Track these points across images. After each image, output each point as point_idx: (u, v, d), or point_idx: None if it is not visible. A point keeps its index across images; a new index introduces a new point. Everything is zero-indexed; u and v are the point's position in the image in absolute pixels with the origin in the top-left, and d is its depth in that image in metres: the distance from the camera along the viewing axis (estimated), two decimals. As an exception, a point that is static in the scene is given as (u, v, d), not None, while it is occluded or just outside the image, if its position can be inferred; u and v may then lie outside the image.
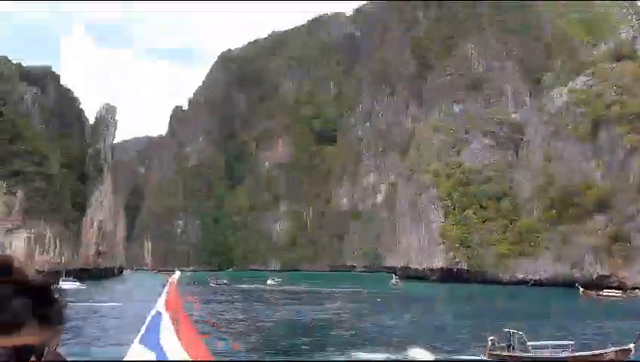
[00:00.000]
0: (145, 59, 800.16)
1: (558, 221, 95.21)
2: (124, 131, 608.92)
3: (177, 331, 3.20)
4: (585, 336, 35.32)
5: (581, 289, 74.25)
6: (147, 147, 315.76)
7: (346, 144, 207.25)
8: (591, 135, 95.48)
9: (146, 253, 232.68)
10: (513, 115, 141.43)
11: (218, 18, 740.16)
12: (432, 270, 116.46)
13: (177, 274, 3.51)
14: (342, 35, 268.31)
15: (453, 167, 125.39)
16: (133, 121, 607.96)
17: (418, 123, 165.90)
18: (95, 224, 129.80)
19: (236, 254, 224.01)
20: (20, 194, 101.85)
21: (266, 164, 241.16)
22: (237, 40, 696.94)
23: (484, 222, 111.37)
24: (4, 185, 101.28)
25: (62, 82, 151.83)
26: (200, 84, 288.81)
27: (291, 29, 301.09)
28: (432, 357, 28.65)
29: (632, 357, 26.58)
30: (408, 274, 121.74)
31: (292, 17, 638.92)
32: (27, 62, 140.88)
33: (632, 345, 26.20)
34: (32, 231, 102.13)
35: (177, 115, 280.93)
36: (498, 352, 28.79)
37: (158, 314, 3.27)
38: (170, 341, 3.15)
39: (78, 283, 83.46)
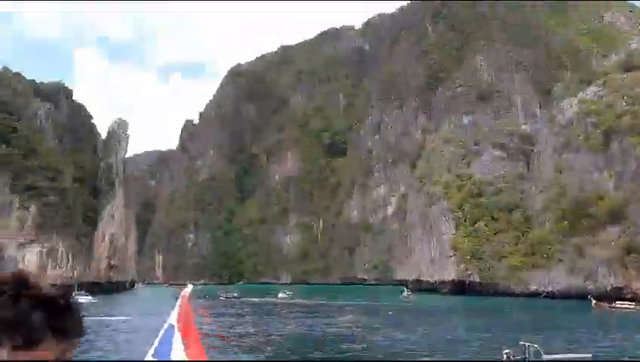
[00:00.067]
0: (156, 74, 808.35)
1: (571, 232, 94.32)
2: (136, 145, 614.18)
3: (186, 344, 3.31)
4: (600, 348, 34.89)
5: (593, 301, 73.37)
6: (158, 161, 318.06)
7: (356, 156, 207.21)
8: (602, 146, 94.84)
9: (157, 267, 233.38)
10: (523, 126, 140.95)
11: (228, 33, 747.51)
12: (443, 282, 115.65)
13: (189, 287, 3.60)
14: (351, 48, 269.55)
15: (464, 178, 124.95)
16: (144, 135, 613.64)
17: (428, 135, 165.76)
18: (107, 238, 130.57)
19: (247, 267, 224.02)
20: (33, 208, 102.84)
21: (276, 176, 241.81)
22: (247, 54, 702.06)
23: (495, 233, 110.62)
24: (18, 200, 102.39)
25: (74, 98, 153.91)
26: (210, 98, 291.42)
27: (300, 43, 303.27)
28: None
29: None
30: (420, 287, 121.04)
31: (301, 31, 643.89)
32: (40, 78, 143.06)
33: None
34: (45, 245, 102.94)
35: (188, 129, 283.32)
36: (513, 365, 28.45)
37: (171, 327, 3.37)
38: (180, 354, 3.26)
39: (90, 297, 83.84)
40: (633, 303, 72.82)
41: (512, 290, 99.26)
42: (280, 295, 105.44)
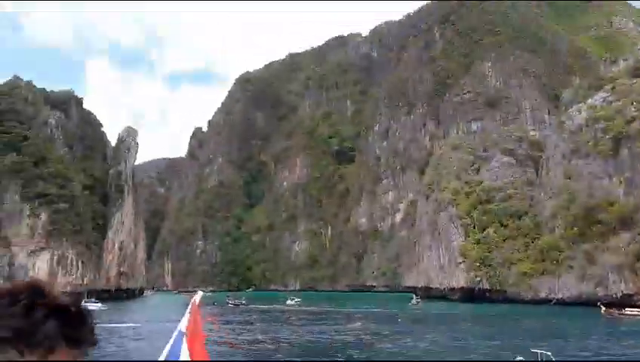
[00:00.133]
0: (165, 82, 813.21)
1: (581, 239, 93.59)
2: (145, 153, 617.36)
3: (191, 349, 3.41)
4: (611, 356, 34.62)
5: (603, 309, 72.68)
6: (167, 168, 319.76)
7: (364, 163, 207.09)
8: (612, 151, 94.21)
9: (166, 274, 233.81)
10: (532, 133, 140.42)
11: (236, 41, 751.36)
12: (452, 289, 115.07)
13: (200, 294, 3.68)
14: (359, 55, 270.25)
15: (473, 185, 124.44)
16: (153, 142, 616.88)
17: (436, 141, 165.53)
18: (116, 245, 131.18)
19: (255, 274, 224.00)
20: (43, 216, 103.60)
21: (285, 183, 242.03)
22: (255, 62, 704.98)
23: (504, 240, 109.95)
24: (28, 207, 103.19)
25: (84, 106, 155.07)
26: (219, 105, 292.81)
27: (308, 50, 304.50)
28: None
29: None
30: (429, 294, 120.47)
31: (309, 38, 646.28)
32: (50, 86, 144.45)
33: None
34: (55, 252, 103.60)
35: (197, 136, 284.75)
36: (525, 374, 28.26)
37: (181, 333, 3.47)
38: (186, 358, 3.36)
39: (99, 304, 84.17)
40: (644, 310, 72.02)
41: (521, 297, 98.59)
42: (288, 302, 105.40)
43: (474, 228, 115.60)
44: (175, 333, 3.51)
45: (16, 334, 1.26)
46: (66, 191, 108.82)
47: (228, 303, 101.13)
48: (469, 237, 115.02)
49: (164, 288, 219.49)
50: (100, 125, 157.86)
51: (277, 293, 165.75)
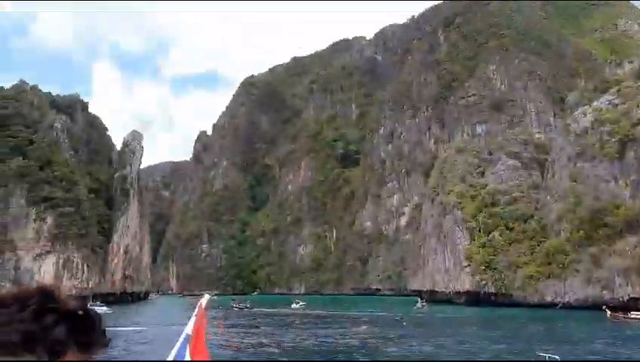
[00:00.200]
0: (170, 86, 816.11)
1: (587, 242, 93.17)
2: (150, 157, 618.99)
3: (192, 349, 3.41)
4: (617, 359, 34.40)
5: (608, 312, 72.26)
6: (172, 172, 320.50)
7: (369, 166, 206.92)
8: (618, 154, 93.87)
9: (171, 277, 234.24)
10: (537, 135, 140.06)
11: (241, 45, 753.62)
12: (458, 293, 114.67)
13: (206, 297, 3.67)
14: (363, 59, 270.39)
15: (478, 188, 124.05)
16: (158, 146, 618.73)
17: (441, 144, 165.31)
18: (121, 249, 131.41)
19: (260, 277, 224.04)
20: (49, 220, 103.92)
21: (289, 187, 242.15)
22: (259, 66, 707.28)
23: (510, 243, 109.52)
24: (34, 211, 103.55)
25: (90, 110, 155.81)
26: (224, 109, 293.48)
27: (312, 54, 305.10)
28: None
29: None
30: (434, 298, 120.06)
31: (313, 42, 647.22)
32: (56, 90, 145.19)
33: None
34: (61, 256, 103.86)
35: (202, 140, 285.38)
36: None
37: (188, 336, 3.48)
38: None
39: (105, 308, 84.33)
40: (650, 314, 71.56)
41: (527, 301, 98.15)
42: (293, 305, 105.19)
43: (479, 231, 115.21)
44: (182, 336, 3.51)
45: (27, 339, 1.27)
46: (71, 195, 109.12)
47: (232, 307, 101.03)
48: (474, 240, 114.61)
49: (169, 291, 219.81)
50: (106, 129, 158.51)
51: (282, 297, 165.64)
